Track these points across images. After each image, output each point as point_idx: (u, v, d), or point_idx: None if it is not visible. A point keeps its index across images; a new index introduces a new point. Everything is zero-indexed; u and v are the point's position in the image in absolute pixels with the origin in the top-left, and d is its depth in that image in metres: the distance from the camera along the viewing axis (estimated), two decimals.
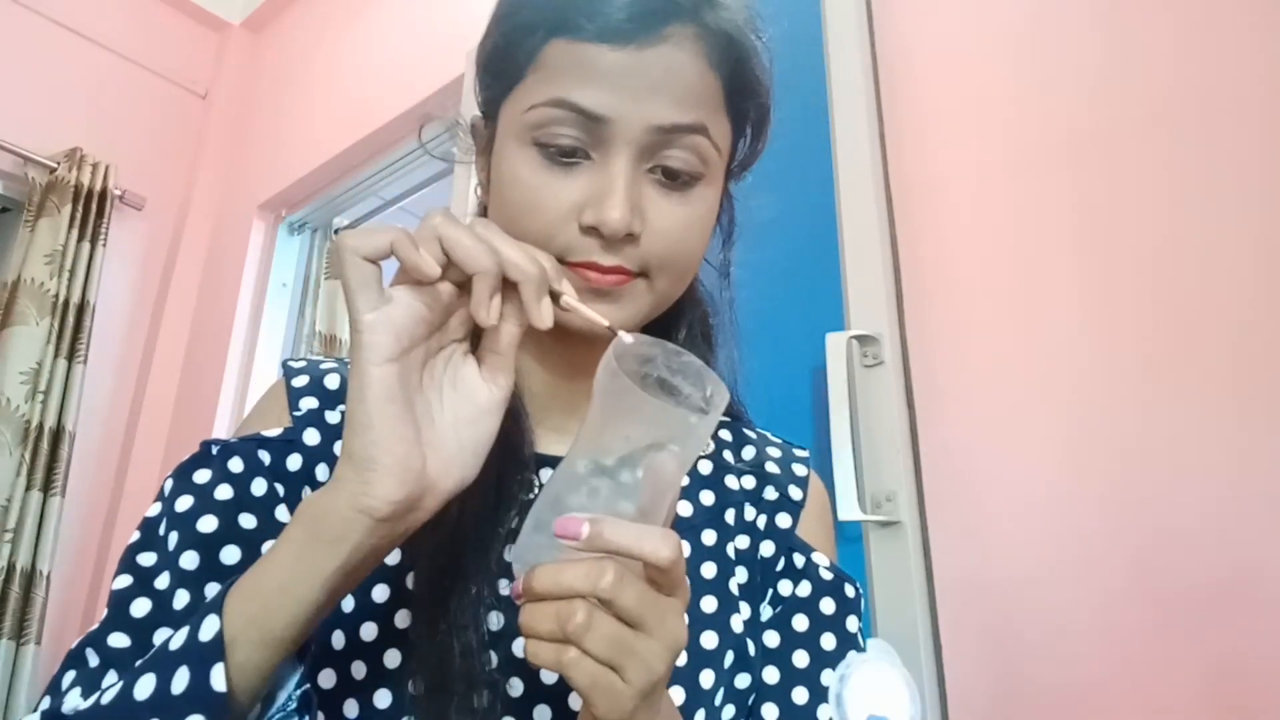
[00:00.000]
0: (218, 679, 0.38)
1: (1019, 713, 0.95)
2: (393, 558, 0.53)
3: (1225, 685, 0.84)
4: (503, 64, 0.54)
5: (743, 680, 0.56)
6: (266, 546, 0.51)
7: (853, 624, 0.59)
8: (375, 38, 2.47)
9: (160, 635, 0.47)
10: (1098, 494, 0.96)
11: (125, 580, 0.49)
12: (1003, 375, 1.07)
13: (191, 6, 2.94)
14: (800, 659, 0.57)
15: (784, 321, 1.21)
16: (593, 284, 0.51)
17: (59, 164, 2.46)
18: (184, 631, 0.40)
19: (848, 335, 1.12)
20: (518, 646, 0.51)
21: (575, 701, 0.51)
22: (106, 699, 0.40)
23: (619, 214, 0.49)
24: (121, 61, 2.74)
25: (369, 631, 0.52)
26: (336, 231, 2.62)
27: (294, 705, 0.42)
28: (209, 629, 0.39)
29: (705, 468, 0.63)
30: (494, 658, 0.50)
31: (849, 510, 1.04)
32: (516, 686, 0.51)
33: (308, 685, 0.44)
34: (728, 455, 0.65)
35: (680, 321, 0.63)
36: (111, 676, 0.45)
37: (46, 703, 0.45)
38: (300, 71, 2.76)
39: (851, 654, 0.45)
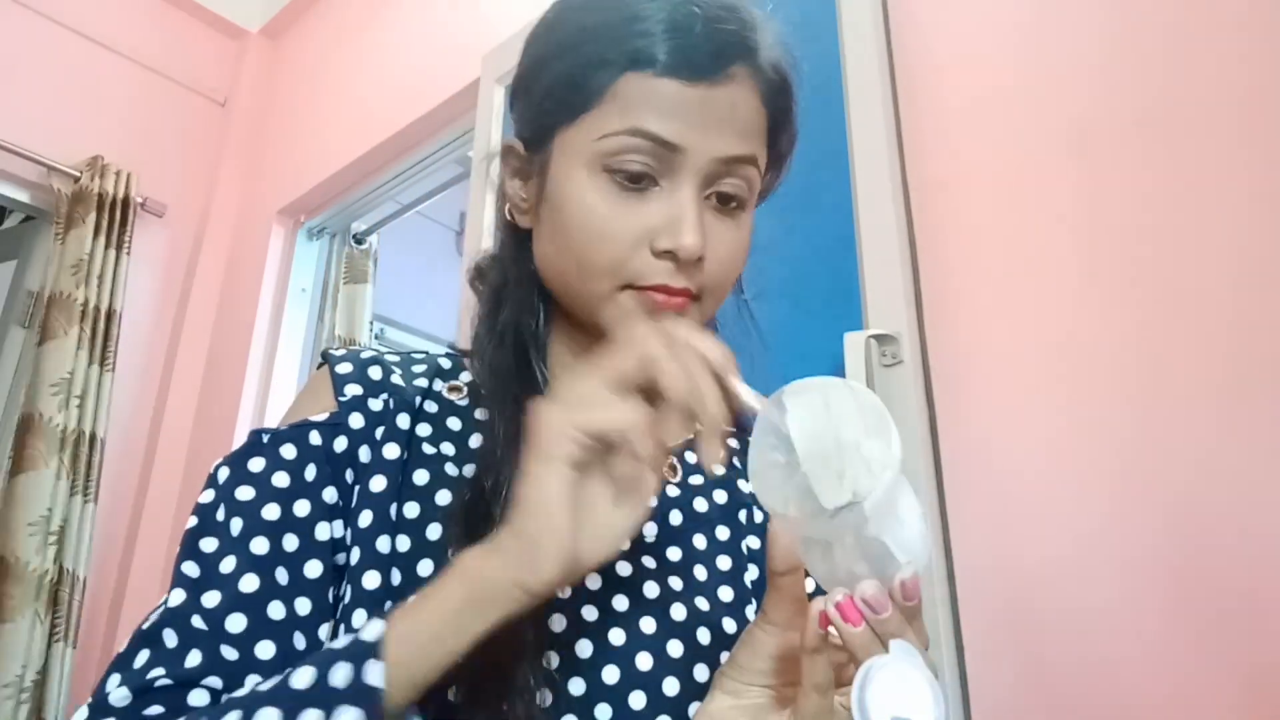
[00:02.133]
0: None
1: (1042, 710, 0.94)
2: None
3: (1254, 675, 0.83)
4: (569, 93, 0.56)
5: None
6: (320, 530, 0.53)
7: None
8: (392, 44, 2.48)
9: (232, 625, 0.49)
10: (1118, 490, 0.95)
11: (193, 568, 0.50)
12: (1022, 373, 1.06)
13: (210, 15, 2.97)
14: None
15: (802, 321, 1.21)
16: (662, 306, 0.54)
17: (81, 173, 2.49)
18: (346, 670, 0.41)
19: (866, 335, 1.12)
20: (583, 648, 0.53)
21: (636, 701, 0.53)
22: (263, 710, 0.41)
23: (694, 239, 0.53)
24: (141, 70, 2.77)
25: (402, 545, 0.54)
26: (355, 238, 2.64)
27: None
28: (373, 675, 0.41)
29: (718, 470, 0.65)
30: (554, 659, 0.52)
31: None
32: (578, 686, 0.52)
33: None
34: (737, 461, 0.68)
35: None
36: (196, 656, 0.47)
37: (115, 681, 0.47)
38: (318, 78, 2.78)
39: (873, 656, 0.45)
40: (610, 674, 0.53)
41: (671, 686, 0.54)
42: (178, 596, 0.50)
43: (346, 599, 0.53)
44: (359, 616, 0.52)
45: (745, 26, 0.56)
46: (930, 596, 1.01)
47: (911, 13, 1.30)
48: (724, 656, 0.55)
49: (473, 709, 0.49)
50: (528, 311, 0.61)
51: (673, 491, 0.63)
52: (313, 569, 0.52)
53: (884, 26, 1.30)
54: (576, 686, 0.52)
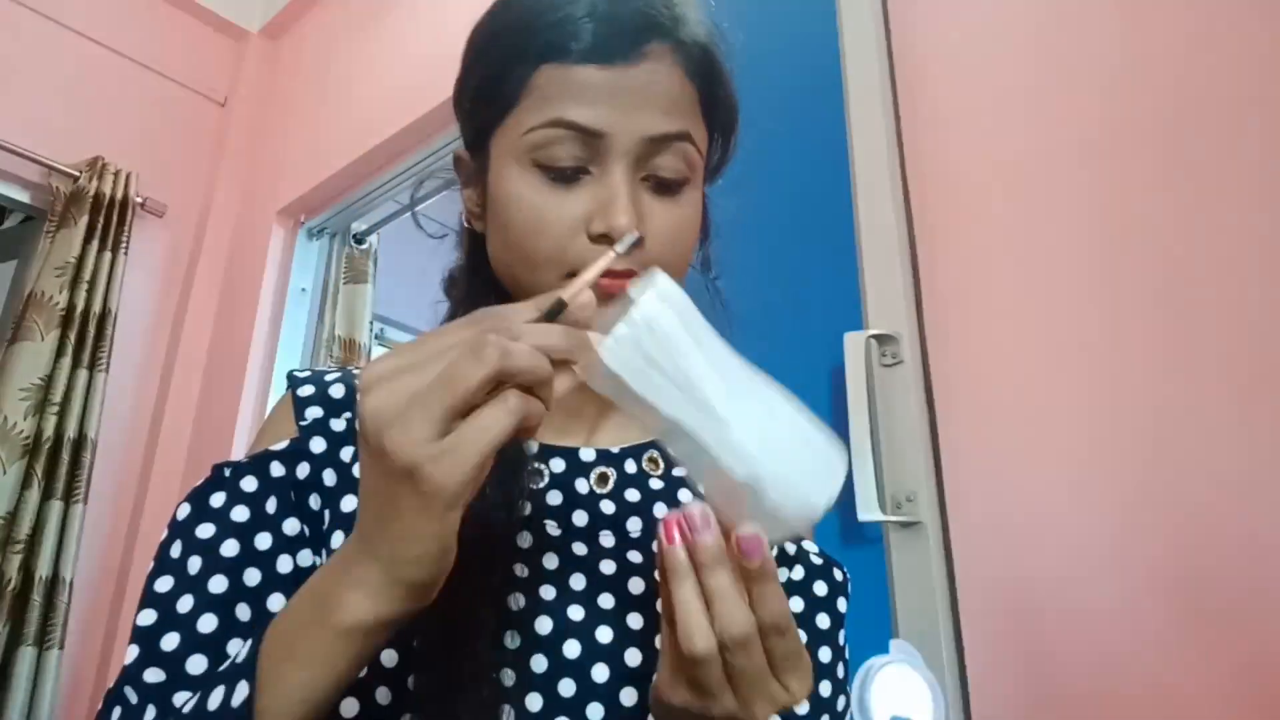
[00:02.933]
0: None
1: (1042, 713, 0.94)
2: None
3: (1254, 684, 0.83)
4: (493, 93, 0.57)
5: None
6: (282, 563, 0.53)
7: (842, 605, 0.64)
8: (392, 44, 2.48)
9: (193, 666, 0.48)
10: (1120, 492, 0.95)
11: (149, 615, 0.50)
12: (1023, 373, 1.06)
13: (210, 15, 2.97)
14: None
15: (802, 321, 1.21)
16: (606, 289, 0.53)
17: (81, 173, 2.49)
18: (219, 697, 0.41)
19: (866, 335, 1.12)
20: (541, 625, 0.53)
21: (627, 698, 0.53)
22: None
23: (626, 219, 0.52)
24: (142, 70, 2.77)
25: None
26: (355, 238, 2.64)
27: None
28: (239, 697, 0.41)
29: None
30: (516, 638, 0.53)
31: (869, 511, 1.04)
32: (535, 702, 0.52)
33: None
34: None
35: None
36: (151, 712, 0.47)
37: None
38: (318, 78, 2.78)
39: (875, 656, 0.45)
40: (599, 672, 0.53)
41: (632, 656, 0.55)
42: (132, 653, 0.49)
43: None
44: None
45: (658, 3, 0.56)
46: (931, 598, 1.01)
47: (911, 13, 1.30)
48: None
49: (433, 694, 0.49)
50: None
51: (656, 484, 0.63)
52: (275, 603, 0.52)
53: (884, 26, 1.30)
54: (566, 688, 0.53)
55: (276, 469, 0.56)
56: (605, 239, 0.53)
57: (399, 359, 0.40)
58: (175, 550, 0.52)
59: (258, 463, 0.56)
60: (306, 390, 0.60)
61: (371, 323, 2.63)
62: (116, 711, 0.47)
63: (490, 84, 0.58)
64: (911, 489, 1.06)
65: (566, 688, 0.52)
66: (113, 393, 2.44)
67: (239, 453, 0.62)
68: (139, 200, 2.59)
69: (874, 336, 1.12)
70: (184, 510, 0.55)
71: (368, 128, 2.38)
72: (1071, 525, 0.98)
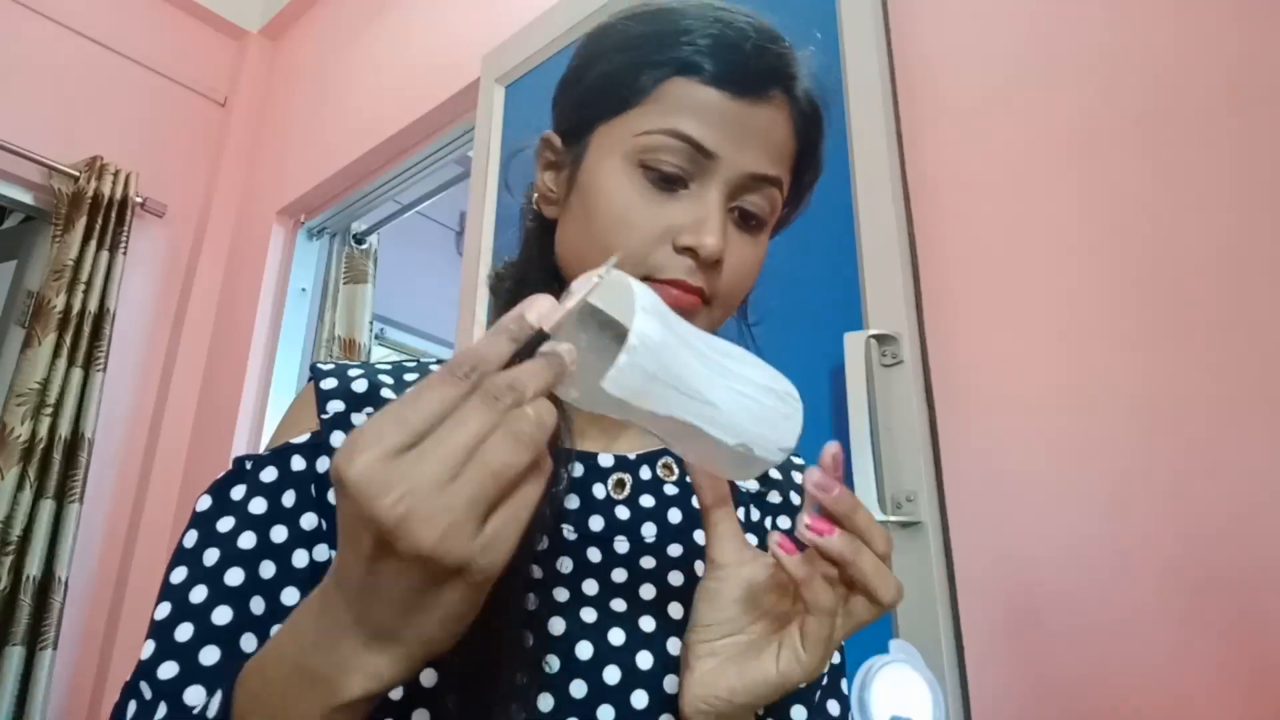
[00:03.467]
0: None
1: (1043, 713, 0.94)
2: None
3: (1256, 685, 0.83)
4: (614, 89, 0.58)
5: None
6: (298, 557, 0.52)
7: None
8: (392, 44, 2.48)
9: (205, 658, 0.48)
10: (1121, 492, 0.95)
11: (165, 608, 0.50)
12: (1024, 372, 1.06)
13: (210, 15, 2.97)
14: None
15: (802, 321, 1.21)
16: (677, 301, 0.55)
17: (81, 173, 2.49)
18: None
19: (866, 334, 1.12)
20: (583, 650, 0.54)
21: (638, 700, 0.53)
22: None
23: (715, 240, 0.54)
24: (142, 70, 2.77)
25: None
26: (355, 238, 2.64)
27: None
28: None
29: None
30: (554, 662, 0.53)
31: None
32: (579, 688, 0.53)
33: None
34: None
35: None
36: (162, 709, 0.46)
37: None
38: (318, 78, 2.78)
39: (874, 656, 0.45)
40: (611, 674, 0.54)
41: (672, 684, 0.55)
42: (148, 649, 0.49)
43: None
44: None
45: (789, 57, 0.59)
46: (931, 598, 1.01)
47: (911, 13, 1.30)
48: None
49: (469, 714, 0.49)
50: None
51: (671, 490, 0.63)
52: (289, 596, 0.51)
53: (884, 26, 1.30)
54: (578, 689, 0.53)
55: (297, 462, 0.55)
56: (690, 253, 0.55)
57: (388, 439, 0.34)
58: (191, 541, 0.52)
59: (279, 455, 0.56)
60: (329, 383, 0.60)
61: (371, 323, 2.63)
62: (131, 707, 0.47)
63: (614, 80, 0.59)
64: (911, 489, 1.06)
65: (578, 689, 0.53)
66: (112, 393, 2.45)
67: (239, 453, 0.61)
68: (139, 200, 2.59)
69: (874, 336, 1.12)
70: (204, 502, 0.54)
71: (368, 128, 2.39)
72: (1071, 525, 0.98)
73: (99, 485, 2.37)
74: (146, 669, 0.48)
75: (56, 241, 2.42)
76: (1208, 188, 0.98)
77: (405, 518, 0.33)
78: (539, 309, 0.38)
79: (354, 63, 2.62)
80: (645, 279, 0.55)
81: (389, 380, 0.61)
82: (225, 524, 0.53)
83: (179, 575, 0.51)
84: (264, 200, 2.74)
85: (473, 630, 0.42)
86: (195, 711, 0.48)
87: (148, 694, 0.47)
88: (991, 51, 1.21)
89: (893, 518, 1.05)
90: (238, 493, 0.54)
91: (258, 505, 0.53)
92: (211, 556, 0.51)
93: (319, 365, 0.62)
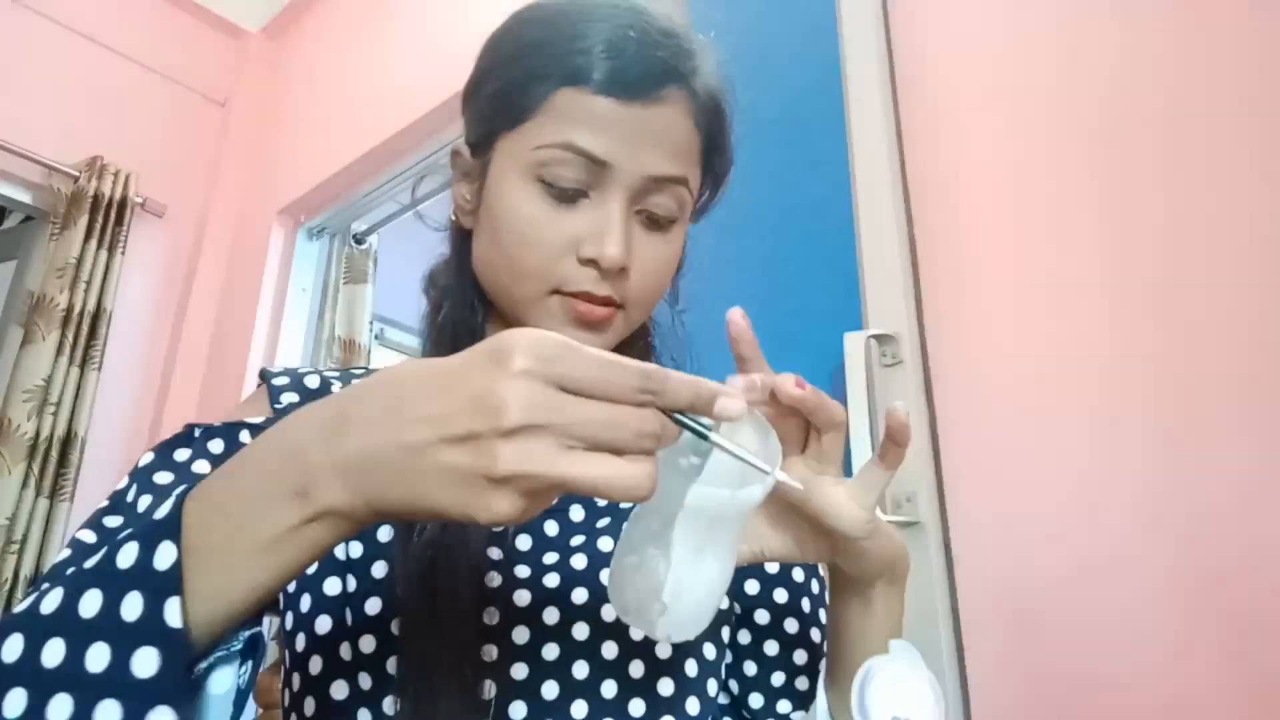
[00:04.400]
0: (173, 614, 0.35)
1: (1043, 713, 0.94)
2: None
3: (1258, 684, 0.83)
4: (509, 102, 0.58)
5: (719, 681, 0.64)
6: None
7: (815, 586, 0.68)
8: (392, 44, 2.48)
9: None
10: (1120, 491, 0.95)
11: (89, 535, 0.50)
12: (1023, 373, 1.06)
13: (211, 15, 2.97)
14: (791, 626, 0.66)
15: (802, 321, 1.21)
16: (586, 315, 0.56)
17: (81, 173, 2.49)
18: (133, 550, 0.36)
19: (866, 335, 1.12)
20: (520, 598, 0.56)
21: (579, 671, 0.55)
22: (46, 607, 0.36)
23: (616, 249, 0.55)
24: (142, 70, 2.77)
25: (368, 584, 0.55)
26: (355, 238, 2.64)
27: (239, 646, 0.40)
28: (165, 558, 0.36)
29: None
30: (495, 614, 0.54)
31: None
32: (520, 670, 0.54)
33: (258, 628, 0.42)
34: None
35: (631, 341, 0.67)
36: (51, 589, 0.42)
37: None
38: (318, 78, 2.78)
39: (874, 656, 0.45)
40: (551, 615, 0.56)
41: (667, 687, 0.57)
42: (63, 554, 0.48)
43: (300, 647, 0.54)
44: (315, 663, 0.53)
45: (681, 52, 0.58)
46: (931, 598, 1.01)
47: (911, 13, 1.30)
48: (690, 664, 0.59)
49: (413, 674, 0.50)
50: (466, 309, 0.63)
51: None
52: None
53: (884, 26, 1.30)
54: (549, 690, 0.54)
55: (245, 437, 0.56)
56: (593, 264, 0.55)
57: (564, 367, 0.34)
58: (130, 493, 0.52)
59: (229, 429, 0.57)
60: (282, 380, 0.62)
61: (371, 323, 2.63)
62: (28, 600, 0.44)
63: (507, 92, 0.59)
64: (911, 489, 1.06)
65: (550, 651, 0.55)
66: (111, 393, 2.44)
67: None
68: (139, 200, 2.59)
69: (874, 336, 1.12)
70: (146, 458, 0.55)
71: (367, 128, 2.38)
72: (1071, 525, 0.98)
73: (97, 485, 2.37)
74: (55, 570, 0.46)
75: (55, 240, 2.42)
76: (1210, 186, 0.98)
77: (527, 408, 0.33)
78: (735, 409, 0.38)
79: (354, 63, 2.62)
80: (553, 293, 0.56)
81: (338, 382, 0.63)
82: (163, 478, 0.53)
83: (112, 521, 0.50)
84: (264, 200, 2.73)
85: (432, 603, 0.42)
86: (140, 510, 0.49)
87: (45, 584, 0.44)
88: (991, 51, 1.21)
89: (892, 518, 1.05)
90: (181, 455, 0.55)
91: (201, 467, 0.54)
92: (144, 503, 0.51)
93: (268, 369, 0.64)
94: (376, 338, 3.00)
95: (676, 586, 0.42)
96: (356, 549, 0.56)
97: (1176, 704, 0.87)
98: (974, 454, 1.07)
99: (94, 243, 2.43)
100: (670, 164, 0.57)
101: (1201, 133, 1.00)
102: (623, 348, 0.66)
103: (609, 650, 0.56)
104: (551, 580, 0.57)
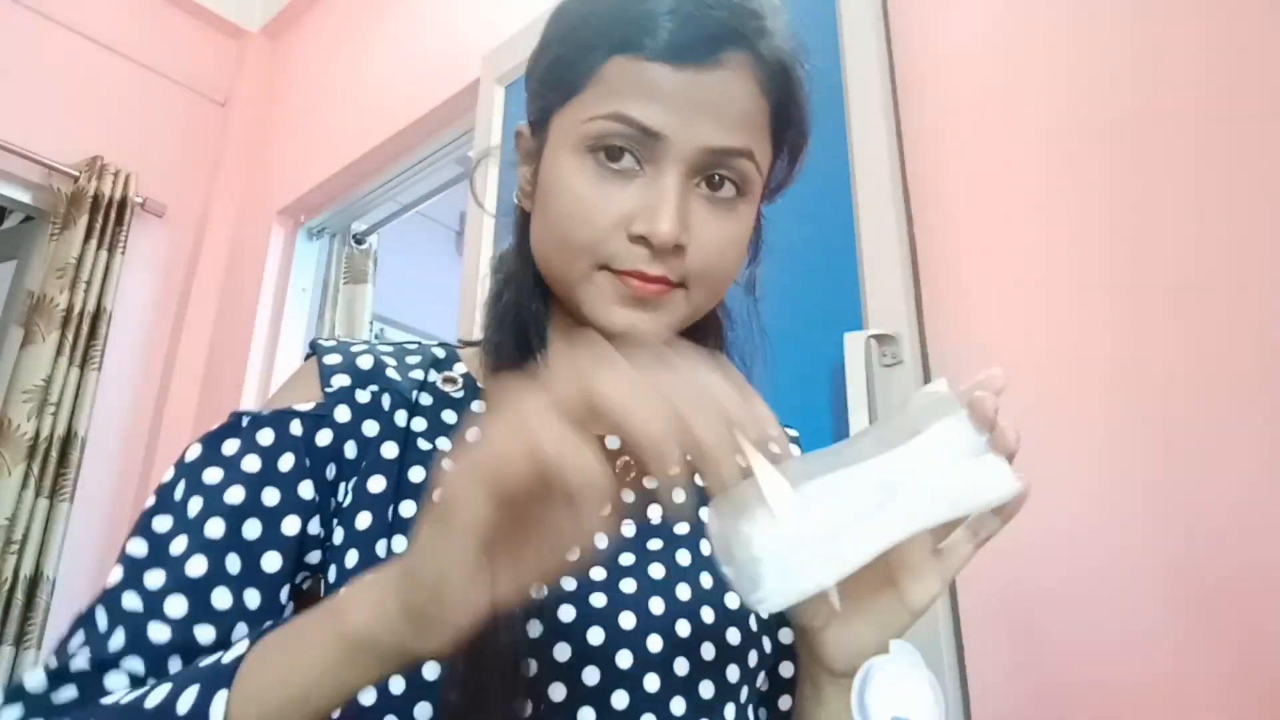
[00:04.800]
0: None
1: (1042, 712, 0.94)
2: None
3: (1259, 691, 0.83)
4: (562, 76, 0.56)
5: (761, 675, 0.61)
6: (288, 524, 0.51)
7: None
8: (392, 44, 2.48)
9: (171, 607, 0.47)
10: (1120, 491, 0.95)
11: (141, 546, 0.49)
12: (1023, 374, 1.06)
13: (210, 15, 2.97)
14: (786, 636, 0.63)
15: (802, 321, 1.21)
16: (636, 292, 0.53)
17: (81, 173, 2.49)
18: (193, 694, 0.39)
19: (866, 334, 1.12)
20: (560, 653, 0.52)
21: (619, 701, 0.52)
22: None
23: (669, 226, 0.51)
24: (141, 70, 2.77)
25: (400, 546, 0.53)
26: (355, 238, 2.64)
27: None
28: (217, 707, 0.38)
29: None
30: (533, 666, 0.51)
31: None
32: (558, 692, 0.52)
33: None
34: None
35: (706, 332, 0.65)
36: (119, 637, 0.46)
37: (54, 662, 0.46)
38: (318, 78, 2.78)
39: (874, 656, 0.45)
40: (590, 676, 0.53)
41: (679, 706, 0.54)
42: (115, 575, 0.48)
43: None
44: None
45: (744, 12, 0.54)
46: None
47: (911, 13, 1.30)
48: (730, 670, 0.57)
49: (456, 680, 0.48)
50: (526, 294, 0.60)
51: (677, 497, 0.63)
52: (270, 561, 0.50)
53: (884, 26, 1.30)
54: (590, 675, 0.53)
55: (296, 428, 0.54)
56: (644, 241, 0.52)
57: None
58: (178, 492, 0.51)
59: (278, 418, 0.54)
60: (333, 359, 0.59)
61: (371, 323, 2.63)
62: (78, 636, 0.46)
63: (561, 66, 0.57)
64: None
65: (591, 675, 0.52)
66: (111, 393, 2.44)
67: None
68: (139, 200, 2.59)
69: (874, 336, 1.12)
70: (194, 451, 0.53)
71: (367, 128, 2.39)
72: (1071, 525, 0.98)
73: (96, 485, 2.37)
74: (110, 598, 0.47)
75: (55, 240, 2.42)
76: (1207, 188, 0.98)
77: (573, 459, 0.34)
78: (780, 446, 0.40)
79: (354, 63, 2.62)
80: (602, 269, 0.54)
81: (392, 361, 0.60)
82: (213, 475, 0.51)
83: (162, 524, 0.50)
84: (264, 200, 2.73)
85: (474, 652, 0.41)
86: (191, 515, 0.49)
87: (103, 624, 0.46)
88: (992, 51, 1.21)
89: None
90: (230, 447, 0.53)
91: (251, 463, 0.52)
92: (195, 506, 0.50)
93: (320, 341, 0.61)
94: (376, 338, 3.00)
95: (793, 527, 0.40)
96: (409, 508, 0.54)
97: (1177, 703, 0.87)
98: None
99: (94, 243, 2.43)
100: (731, 134, 0.53)
101: (1201, 132, 1.00)
102: (694, 338, 0.64)
103: (650, 684, 0.54)
104: (599, 601, 0.54)
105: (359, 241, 2.66)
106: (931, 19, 1.29)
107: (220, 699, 0.38)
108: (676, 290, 0.55)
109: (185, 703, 0.39)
